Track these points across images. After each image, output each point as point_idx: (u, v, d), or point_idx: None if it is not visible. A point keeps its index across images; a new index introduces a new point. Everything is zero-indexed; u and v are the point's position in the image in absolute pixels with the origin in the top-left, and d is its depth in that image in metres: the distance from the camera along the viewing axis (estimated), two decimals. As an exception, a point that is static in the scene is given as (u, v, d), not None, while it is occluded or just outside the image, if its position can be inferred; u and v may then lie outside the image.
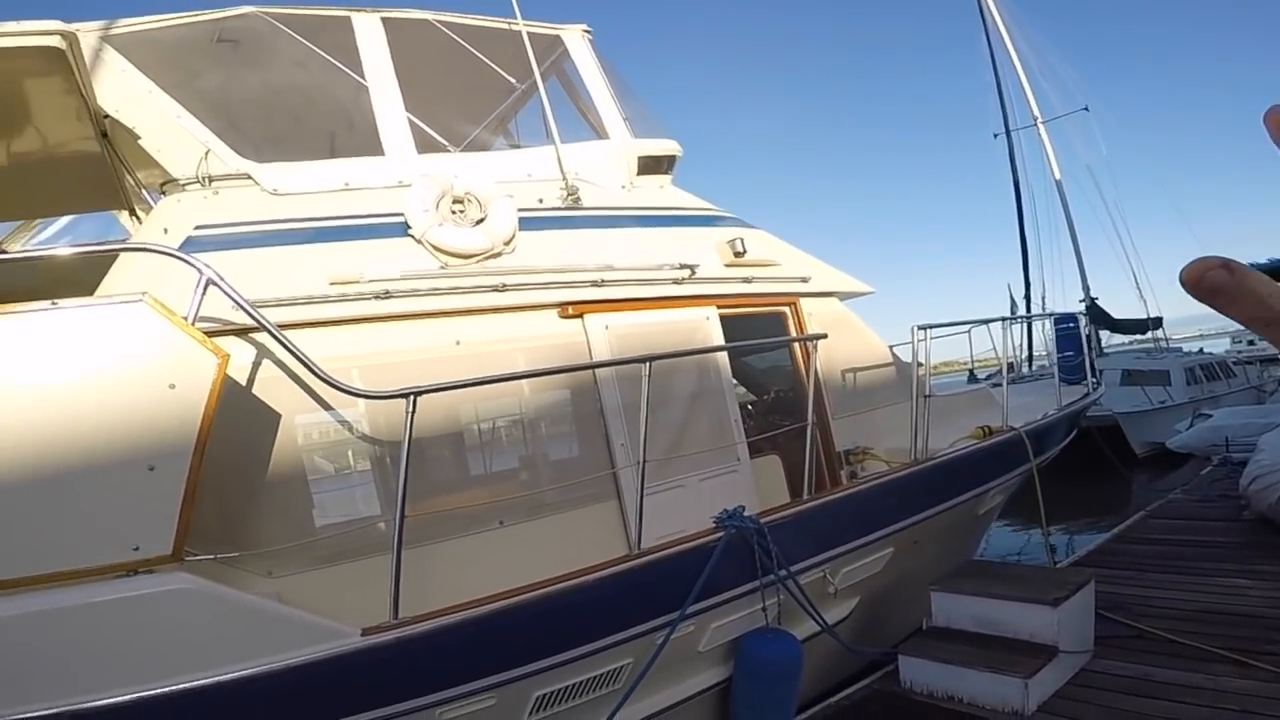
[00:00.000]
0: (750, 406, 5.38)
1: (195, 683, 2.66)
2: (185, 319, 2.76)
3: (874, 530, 4.19)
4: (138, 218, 4.84)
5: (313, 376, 3.19)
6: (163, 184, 3.74)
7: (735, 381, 4.72)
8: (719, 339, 4.22)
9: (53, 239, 5.06)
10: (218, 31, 4.40)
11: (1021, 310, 19.06)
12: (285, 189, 3.77)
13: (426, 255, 3.80)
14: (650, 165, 4.68)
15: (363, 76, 4.29)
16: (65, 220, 5.02)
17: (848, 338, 4.89)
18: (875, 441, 4.82)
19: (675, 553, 3.54)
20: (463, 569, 3.47)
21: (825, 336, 4.13)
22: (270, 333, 2.93)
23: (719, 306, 4.27)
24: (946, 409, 5.08)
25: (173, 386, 2.68)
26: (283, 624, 2.81)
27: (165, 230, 3.43)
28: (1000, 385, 5.46)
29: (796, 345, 4.68)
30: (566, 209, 4.36)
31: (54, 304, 2.66)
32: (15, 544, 2.60)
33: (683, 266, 4.14)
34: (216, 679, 2.67)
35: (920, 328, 4.47)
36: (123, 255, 3.35)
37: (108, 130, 3.94)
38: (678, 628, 3.46)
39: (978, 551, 6.17)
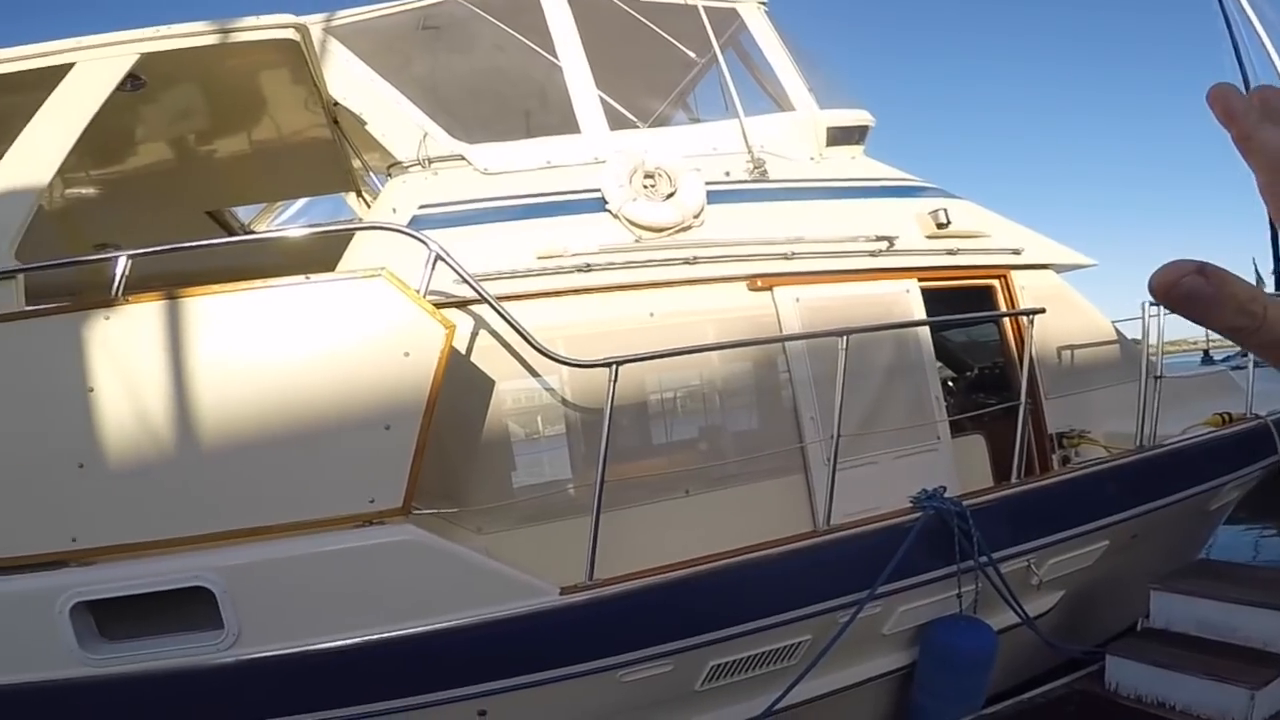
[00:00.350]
0: (950, 384, 5.14)
1: (416, 629, 2.96)
2: (417, 292, 3.04)
3: (1089, 521, 3.89)
4: (364, 198, 5.35)
5: (520, 346, 3.43)
6: (389, 166, 4.11)
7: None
8: (920, 313, 4.05)
9: (291, 219, 5.72)
10: (421, 19, 4.73)
11: (1270, 288, 16.67)
12: (494, 168, 4.01)
13: (622, 229, 3.92)
14: (840, 136, 4.54)
15: (555, 56, 4.46)
16: (301, 202, 5.65)
17: (1064, 313, 4.52)
18: (1092, 425, 4.45)
19: (867, 531, 3.48)
20: (649, 535, 3.60)
21: (1043, 311, 3.85)
22: (491, 305, 3.15)
23: (920, 279, 4.09)
24: (1176, 392, 4.58)
25: (407, 354, 2.96)
26: (492, 578, 3.05)
27: (394, 210, 3.76)
28: (1243, 368, 4.85)
29: (1007, 320, 4.39)
30: (753, 181, 4.33)
31: (307, 278, 3.01)
32: (272, 494, 2.99)
33: (879, 238, 3.99)
34: (434, 626, 2.96)
35: (1152, 303, 4.05)
36: (359, 233, 3.73)
37: (337, 117, 4.37)
38: (864, 608, 3.40)
39: (1202, 551, 5.57)
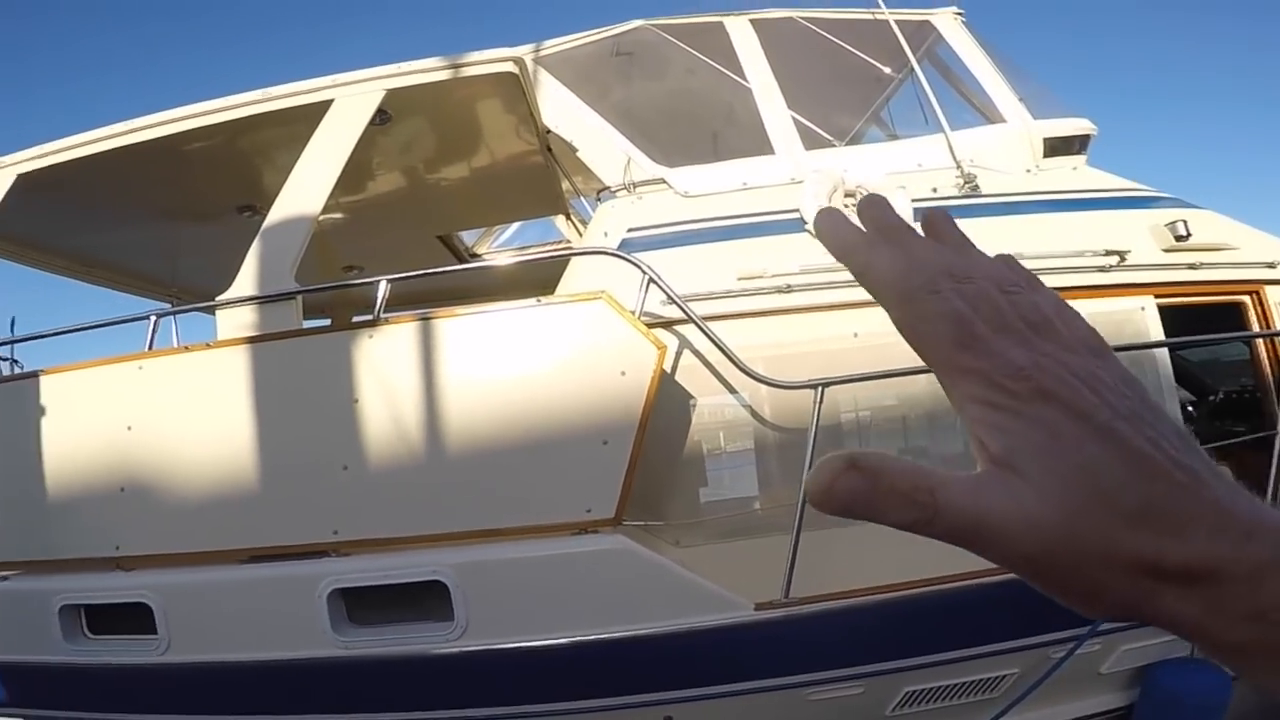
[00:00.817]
0: (1190, 408, 4.69)
1: (620, 633, 3.12)
2: (632, 313, 3.22)
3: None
4: (572, 220, 5.70)
5: (724, 365, 3.53)
6: (598, 191, 4.36)
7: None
8: (1156, 332, 3.75)
9: (506, 242, 6.19)
10: (615, 46, 4.98)
11: None
12: (694, 191, 4.15)
13: (823, 249, 3.91)
14: (1059, 146, 4.29)
15: (744, 78, 4.54)
16: (515, 226, 6.10)
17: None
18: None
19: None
20: (843, 557, 3.57)
21: (1302, 330, 3.45)
22: (698, 326, 3.27)
23: (1156, 296, 3.78)
24: None
25: (623, 373, 3.15)
26: (692, 590, 3.16)
27: (605, 233, 3.99)
28: None
29: (1260, 341, 3.97)
30: (964, 197, 4.18)
31: (538, 301, 3.27)
32: (500, 499, 3.26)
33: (1109, 253, 3.73)
34: (635, 632, 3.12)
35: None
36: (576, 256, 4.00)
37: (550, 144, 4.69)
38: (1083, 644, 3.20)
39: None
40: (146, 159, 4.12)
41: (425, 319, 3.25)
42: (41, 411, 3.50)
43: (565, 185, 5.30)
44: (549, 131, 4.54)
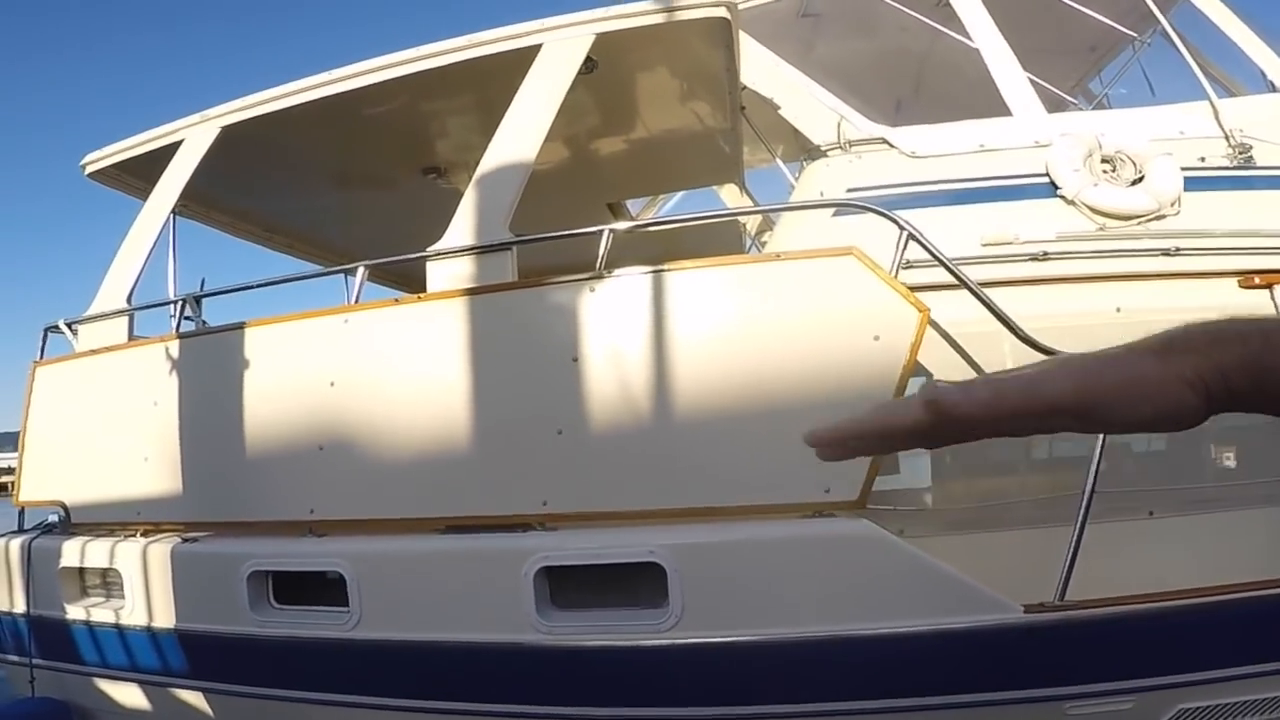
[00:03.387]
0: None
1: (865, 630, 2.86)
2: (889, 273, 2.98)
3: None
4: (746, 192, 5.53)
5: (972, 338, 3.25)
6: (805, 151, 4.15)
7: None
8: None
9: (670, 211, 6.06)
10: (803, 6, 4.81)
11: None
12: (923, 151, 3.88)
13: (1079, 216, 3.61)
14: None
15: (967, 37, 4.27)
16: (678, 195, 5.97)
17: None
18: None
19: None
20: (1100, 557, 3.23)
21: None
22: (973, 292, 3.01)
23: None
24: None
25: (877, 338, 2.90)
26: (953, 587, 2.87)
27: (820, 193, 3.78)
28: None
29: None
30: (1236, 168, 3.79)
31: (778, 256, 3.07)
32: (725, 475, 3.06)
33: None
34: (887, 630, 2.85)
35: None
36: (785, 217, 3.80)
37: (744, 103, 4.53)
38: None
39: None
40: (340, 114, 4.16)
41: (654, 272, 3.10)
42: (244, 364, 3.52)
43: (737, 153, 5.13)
44: (744, 89, 4.38)
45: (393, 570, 3.29)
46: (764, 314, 3.04)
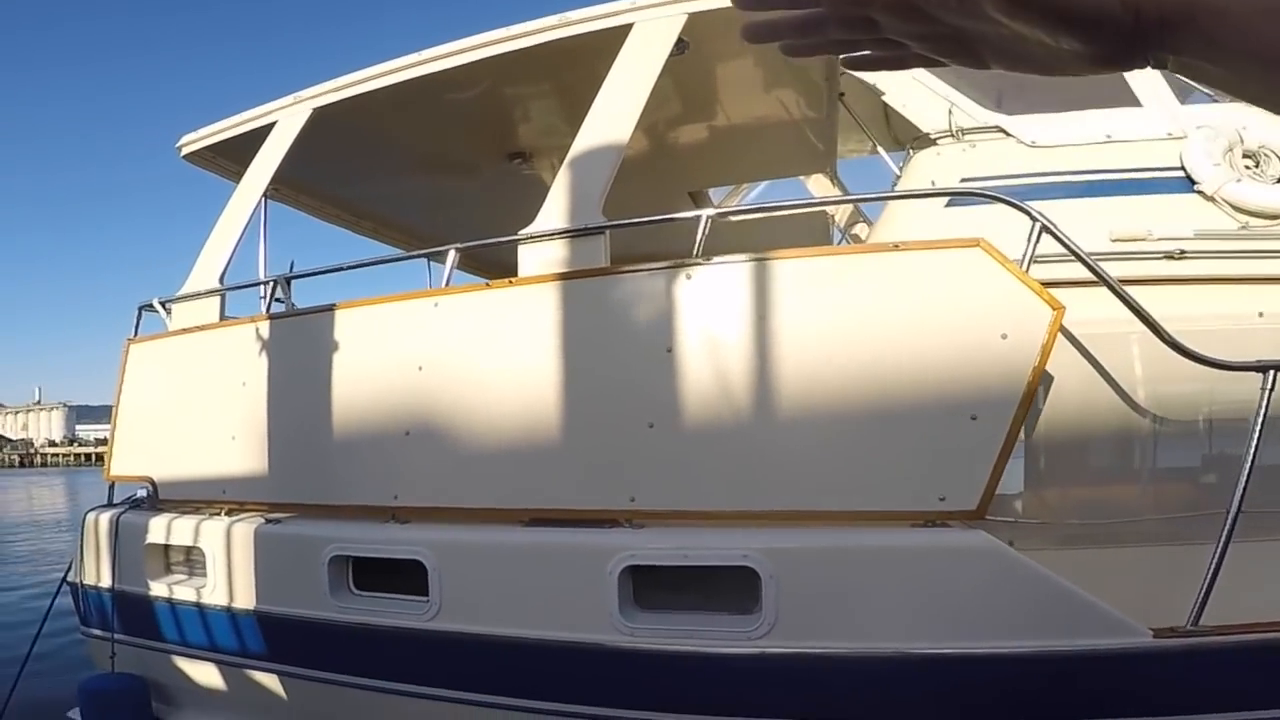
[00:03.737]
0: None
1: (980, 649, 2.65)
2: (1019, 266, 2.76)
3: None
4: (838, 182, 5.33)
5: (1102, 340, 3.01)
6: (912, 140, 3.94)
7: None
8: None
9: (754, 201, 5.89)
10: None
11: None
12: (1044, 141, 3.64)
13: (1219, 214, 3.33)
14: None
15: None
16: (762, 185, 5.80)
17: None
18: None
19: None
20: (1241, 578, 2.95)
21: None
22: (1114, 289, 2.77)
23: None
24: None
25: (1004, 336, 2.69)
26: (1078, 607, 2.64)
27: (932, 183, 3.57)
28: None
29: None
30: None
31: (895, 246, 2.88)
32: (829, 477, 2.88)
33: None
34: (1003, 649, 2.63)
35: None
36: (891, 206, 3.61)
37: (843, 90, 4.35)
38: None
39: None
40: (427, 96, 4.12)
41: (757, 260, 2.94)
42: (333, 347, 3.48)
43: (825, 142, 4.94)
44: (843, 74, 4.19)
45: (474, 561, 3.21)
46: (878, 307, 2.85)
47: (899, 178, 3.97)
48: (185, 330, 4.01)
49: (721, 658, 2.89)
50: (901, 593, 2.75)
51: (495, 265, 6.38)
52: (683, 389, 2.96)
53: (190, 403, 3.94)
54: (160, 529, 3.84)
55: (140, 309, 4.25)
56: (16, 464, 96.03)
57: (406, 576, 3.39)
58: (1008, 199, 2.95)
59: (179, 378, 4.02)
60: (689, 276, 3.00)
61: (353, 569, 3.46)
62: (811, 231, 5.90)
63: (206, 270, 4.10)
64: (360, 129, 4.49)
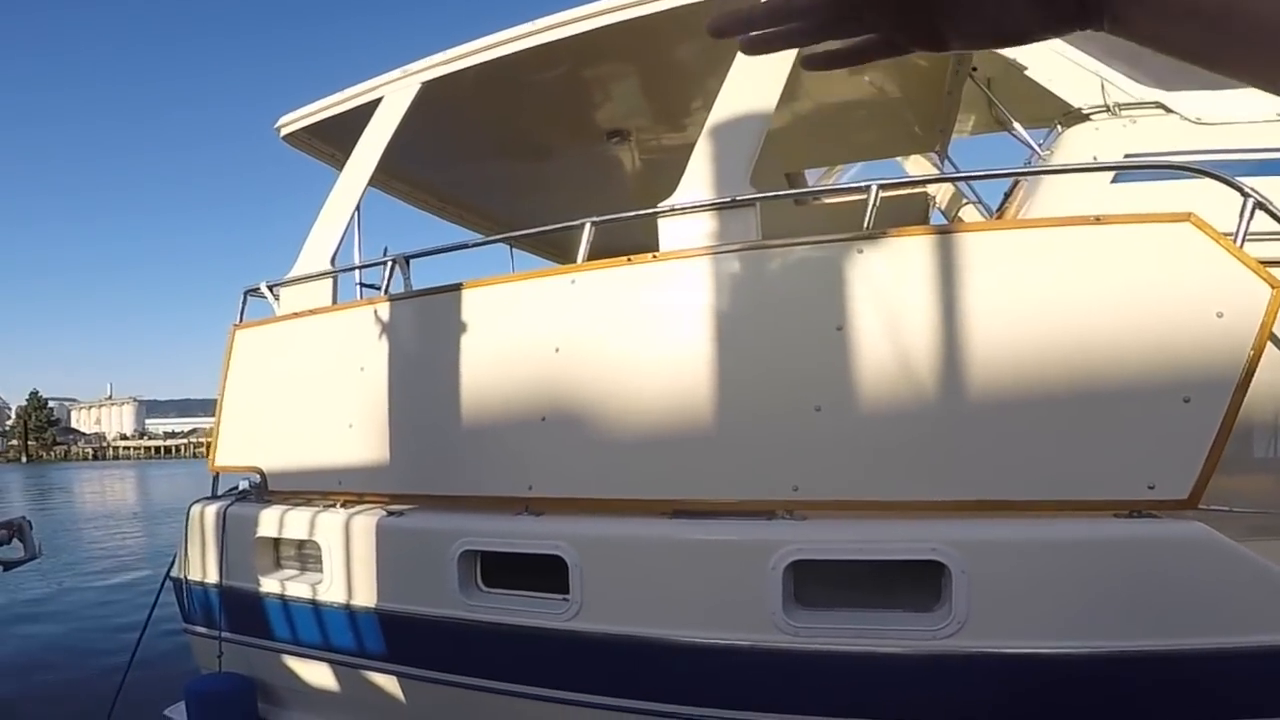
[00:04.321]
0: None
1: (1198, 644, 2.44)
2: (1233, 242, 2.56)
3: None
4: (949, 161, 5.13)
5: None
6: (1063, 115, 3.74)
7: None
8: None
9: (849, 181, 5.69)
10: None
11: None
12: (1209, 118, 3.43)
13: None
14: None
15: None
16: (856, 166, 5.61)
17: None
18: None
19: None
20: None
21: None
22: None
23: None
24: None
25: (1220, 315, 2.49)
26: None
27: (1094, 158, 3.37)
28: None
29: None
30: None
31: (1096, 219, 2.68)
32: (1023, 464, 2.67)
33: None
34: (1225, 644, 2.42)
35: None
36: (1046, 182, 3.41)
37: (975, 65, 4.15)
38: None
39: None
40: (539, 67, 3.98)
41: (939, 233, 2.76)
42: (460, 328, 3.33)
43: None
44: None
45: (620, 556, 3.03)
46: (1077, 283, 2.65)
47: (1033, 155, 3.76)
48: (296, 314, 3.87)
49: (900, 658, 2.69)
50: (1108, 587, 2.54)
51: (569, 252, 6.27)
52: (855, 370, 2.77)
53: (303, 390, 3.79)
54: (271, 522, 3.69)
55: (245, 294, 4.12)
56: (90, 457, 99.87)
57: (537, 573, 3.23)
58: (1218, 175, 2.75)
59: (289, 364, 3.87)
60: (860, 251, 2.82)
61: (482, 565, 3.30)
62: (910, 213, 5.70)
63: (316, 252, 3.96)
64: (462, 106, 4.36)
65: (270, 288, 4.02)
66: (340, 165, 4.70)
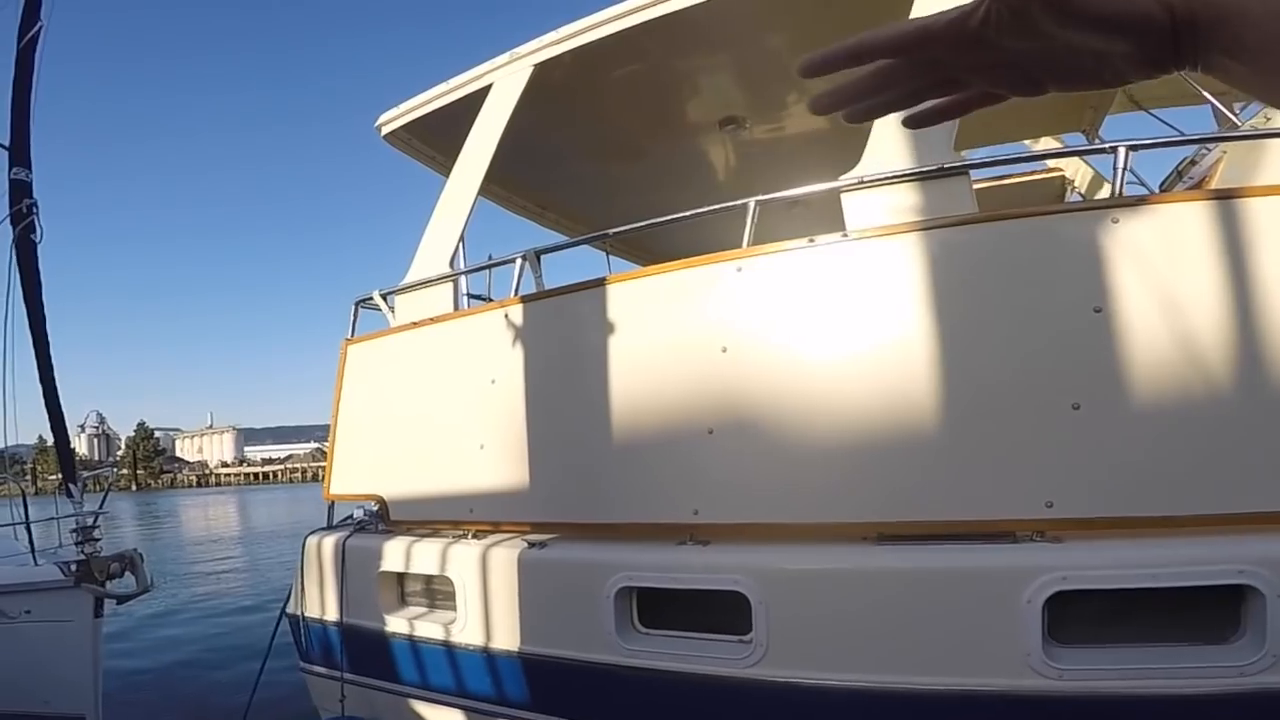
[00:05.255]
0: None
1: None
2: None
3: None
4: (1099, 138, 4.51)
5: None
6: None
7: None
8: None
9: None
10: None
11: None
12: None
13: None
14: None
15: None
16: (1011, 145, 5.01)
17: None
18: None
19: None
20: None
21: None
22: None
23: None
24: None
25: None
26: None
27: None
28: None
29: None
30: None
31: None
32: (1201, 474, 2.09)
33: None
34: None
35: None
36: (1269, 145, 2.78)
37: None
38: None
39: None
40: (656, 43, 3.52)
41: (1220, 197, 2.17)
42: (607, 329, 2.86)
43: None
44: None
45: (816, 592, 2.49)
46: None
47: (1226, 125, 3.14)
48: (414, 324, 3.47)
49: (1195, 700, 2.10)
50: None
51: (646, 251, 5.84)
52: (1124, 361, 2.19)
53: (425, 408, 3.39)
54: (397, 555, 3.28)
55: (356, 304, 3.75)
56: (194, 484, 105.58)
57: (701, 611, 2.73)
58: None
59: (409, 379, 3.48)
60: (1115, 221, 2.24)
61: (638, 602, 2.81)
62: (1044, 196, 5.06)
63: (432, 256, 3.55)
64: (572, 94, 3.93)
65: (384, 296, 3.64)
66: (442, 168, 4.37)
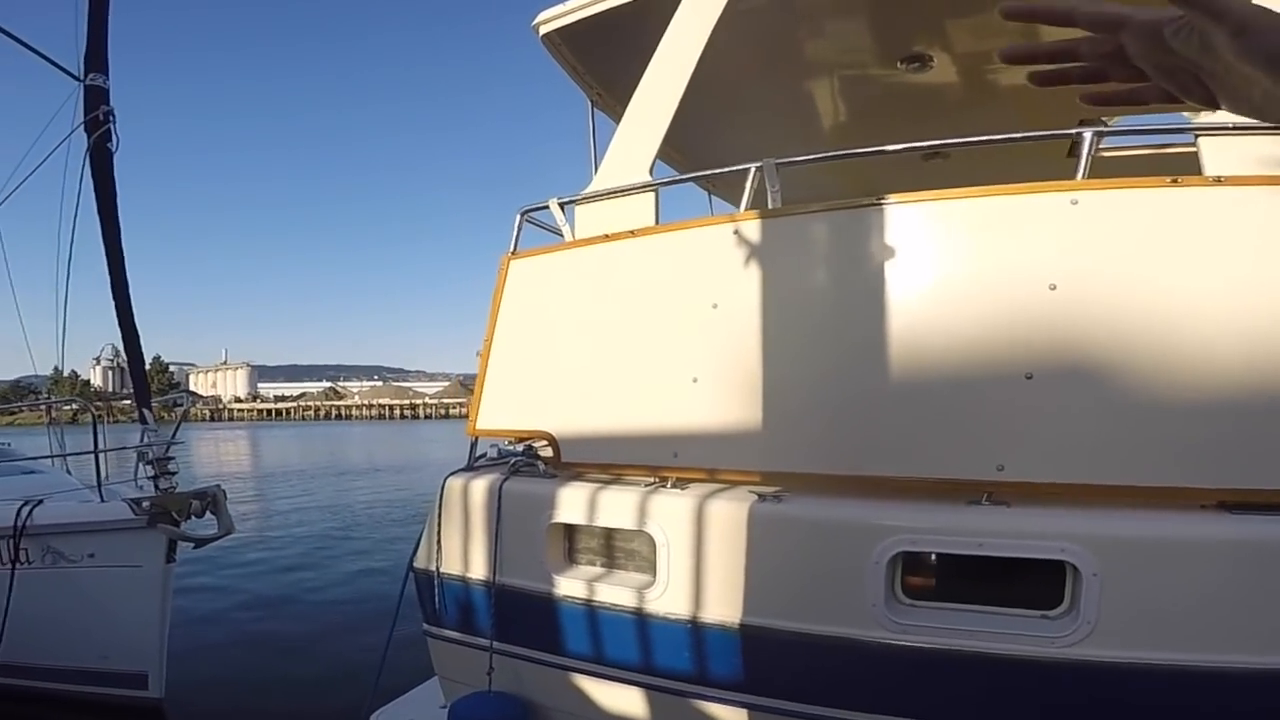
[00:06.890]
0: None
1: None
2: None
3: None
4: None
5: None
6: None
7: None
8: None
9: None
10: None
11: None
12: None
13: None
14: None
15: None
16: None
17: None
18: None
19: None
20: None
21: None
22: None
23: None
24: None
25: None
26: None
27: None
28: None
29: None
30: None
31: None
32: None
33: None
34: None
35: None
36: None
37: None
38: None
39: None
40: None
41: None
42: (884, 253, 2.39)
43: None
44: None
45: (1162, 564, 2.12)
46: None
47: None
48: (606, 237, 2.88)
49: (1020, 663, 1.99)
50: None
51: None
52: None
53: (615, 334, 2.82)
54: (575, 504, 2.71)
55: (521, 215, 3.11)
56: (207, 418, 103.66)
57: (971, 581, 2.33)
58: None
59: (593, 301, 2.90)
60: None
61: (903, 569, 2.37)
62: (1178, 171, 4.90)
63: (626, 161, 2.97)
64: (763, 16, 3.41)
65: (562, 205, 3.03)
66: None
